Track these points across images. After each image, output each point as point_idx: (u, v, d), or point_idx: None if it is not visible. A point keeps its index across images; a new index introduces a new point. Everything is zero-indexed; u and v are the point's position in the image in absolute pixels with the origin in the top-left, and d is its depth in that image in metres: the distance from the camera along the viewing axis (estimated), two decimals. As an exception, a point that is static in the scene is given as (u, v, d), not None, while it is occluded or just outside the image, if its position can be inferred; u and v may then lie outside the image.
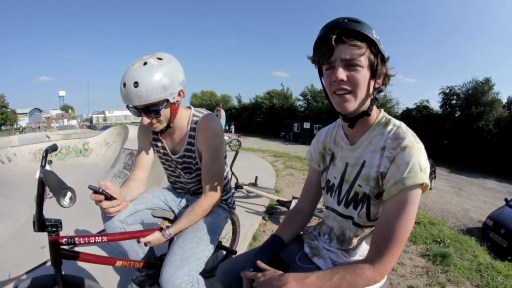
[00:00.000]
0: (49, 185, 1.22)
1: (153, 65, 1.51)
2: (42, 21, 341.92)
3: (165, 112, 1.63)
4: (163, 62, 1.55)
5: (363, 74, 1.10)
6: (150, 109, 1.57)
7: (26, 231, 5.07)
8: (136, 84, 1.46)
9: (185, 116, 1.82)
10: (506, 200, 10.35)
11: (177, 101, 1.66)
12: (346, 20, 1.08)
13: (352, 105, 1.14)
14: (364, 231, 1.29)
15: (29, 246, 4.25)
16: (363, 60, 1.09)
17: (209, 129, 1.78)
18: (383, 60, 1.15)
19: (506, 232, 8.29)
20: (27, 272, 2.77)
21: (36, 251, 3.46)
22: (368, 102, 1.17)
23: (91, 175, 12.80)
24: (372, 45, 1.09)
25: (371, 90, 1.15)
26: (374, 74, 1.13)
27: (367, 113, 1.18)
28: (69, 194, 1.12)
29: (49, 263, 2.86)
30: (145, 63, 1.51)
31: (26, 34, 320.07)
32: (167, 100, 1.58)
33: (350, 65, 1.09)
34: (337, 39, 1.08)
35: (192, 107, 1.89)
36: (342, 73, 1.09)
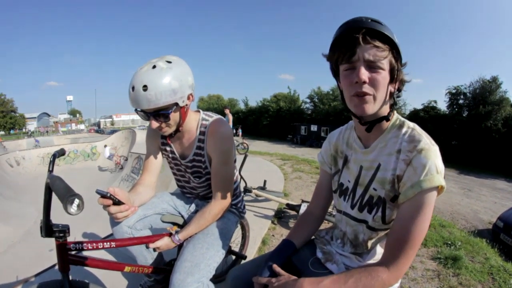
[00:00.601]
0: (55, 191, 1.21)
1: (162, 68, 1.49)
2: (50, 26, 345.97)
3: (174, 116, 1.62)
4: (172, 65, 1.54)
5: (384, 77, 1.07)
6: (159, 113, 1.55)
7: (35, 233, 5.08)
8: (145, 87, 1.44)
9: (194, 120, 1.81)
10: (516, 200, 10.25)
11: (186, 104, 1.65)
12: (369, 20, 1.05)
13: (371, 108, 1.11)
14: (379, 234, 1.26)
15: (37, 248, 4.27)
16: (385, 63, 1.07)
17: (219, 133, 1.76)
18: (401, 65, 1.13)
19: (517, 233, 8.18)
20: (36, 275, 2.78)
21: (45, 254, 3.45)
22: (387, 107, 1.16)
23: (99, 179, 12.88)
24: (394, 48, 1.08)
25: (388, 95, 1.13)
26: (392, 79, 1.11)
27: (386, 118, 1.16)
28: (76, 201, 1.10)
29: (57, 267, 2.84)
30: (154, 66, 1.49)
31: (34, 39, 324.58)
32: (176, 104, 1.57)
33: (372, 67, 1.06)
34: (363, 39, 1.04)
35: (201, 111, 1.87)
36: (365, 74, 1.05)
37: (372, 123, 1.18)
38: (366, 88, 1.07)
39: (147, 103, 1.48)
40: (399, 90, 1.18)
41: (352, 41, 1.05)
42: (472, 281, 2.99)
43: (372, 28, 1.03)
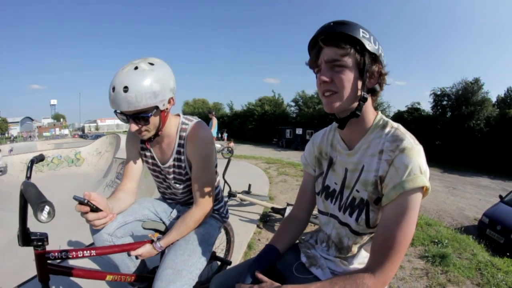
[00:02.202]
0: (28, 198, 1.16)
1: (144, 70, 1.46)
2: (33, 28, 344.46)
3: (154, 120, 1.58)
4: (155, 67, 1.51)
5: (347, 75, 1.08)
6: (139, 116, 1.52)
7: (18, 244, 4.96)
8: (125, 89, 1.41)
9: (174, 124, 1.77)
10: (500, 196, 10.46)
11: (167, 108, 1.62)
12: (331, 24, 1.10)
13: (337, 105, 1.13)
14: (363, 238, 1.24)
15: (21, 258, 4.15)
16: (347, 61, 1.08)
17: (198, 137, 1.73)
18: (375, 58, 1.11)
19: (502, 228, 8.36)
20: (19, 286, 2.70)
21: (28, 264, 3.36)
22: (356, 103, 1.14)
23: (83, 185, 12.60)
24: (358, 44, 1.07)
25: (359, 91, 1.12)
26: (362, 74, 1.10)
27: (355, 114, 1.14)
28: (47, 208, 1.05)
29: None
30: (136, 68, 1.46)
31: (17, 41, 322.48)
32: (156, 107, 1.53)
33: (335, 66, 1.09)
34: (322, 42, 1.10)
35: (181, 115, 1.84)
36: (325, 75, 1.10)
37: (344, 120, 1.19)
38: (330, 87, 1.11)
39: (127, 105, 1.44)
40: (380, 83, 1.17)
41: (315, 47, 1.15)
42: (460, 278, 3.04)
43: (332, 31, 1.08)
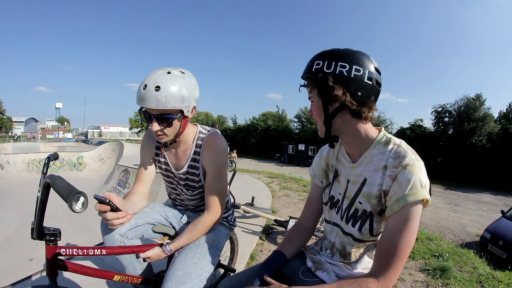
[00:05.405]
0: (58, 189, 1.21)
1: (176, 76, 1.58)
2: (43, 30, 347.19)
3: (176, 124, 1.65)
4: (185, 76, 1.63)
5: (315, 105, 1.27)
6: (163, 117, 1.59)
7: (15, 241, 4.83)
8: (157, 88, 1.50)
9: (192, 133, 1.85)
10: (502, 212, 10.43)
11: (188, 116, 1.69)
12: (306, 67, 1.26)
13: (320, 130, 1.31)
14: (366, 244, 1.31)
15: (17, 257, 4.09)
16: (313, 94, 1.25)
17: (215, 146, 1.81)
18: (340, 80, 1.15)
19: (504, 243, 8.35)
20: (12, 285, 2.72)
21: (24, 263, 3.34)
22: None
23: (84, 190, 12.40)
24: (314, 79, 1.20)
25: (324, 115, 1.24)
26: (328, 100, 1.20)
27: (329, 134, 1.27)
28: (82, 199, 1.12)
29: (35, 277, 2.87)
30: (168, 72, 1.57)
31: (25, 42, 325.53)
32: (181, 111, 1.62)
33: (310, 100, 1.29)
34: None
35: (198, 124, 1.92)
36: (309, 109, 1.34)
37: (329, 141, 1.36)
38: (314, 117, 1.31)
39: (156, 103, 1.51)
40: (345, 102, 1.17)
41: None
42: (461, 290, 3.02)
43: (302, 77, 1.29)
